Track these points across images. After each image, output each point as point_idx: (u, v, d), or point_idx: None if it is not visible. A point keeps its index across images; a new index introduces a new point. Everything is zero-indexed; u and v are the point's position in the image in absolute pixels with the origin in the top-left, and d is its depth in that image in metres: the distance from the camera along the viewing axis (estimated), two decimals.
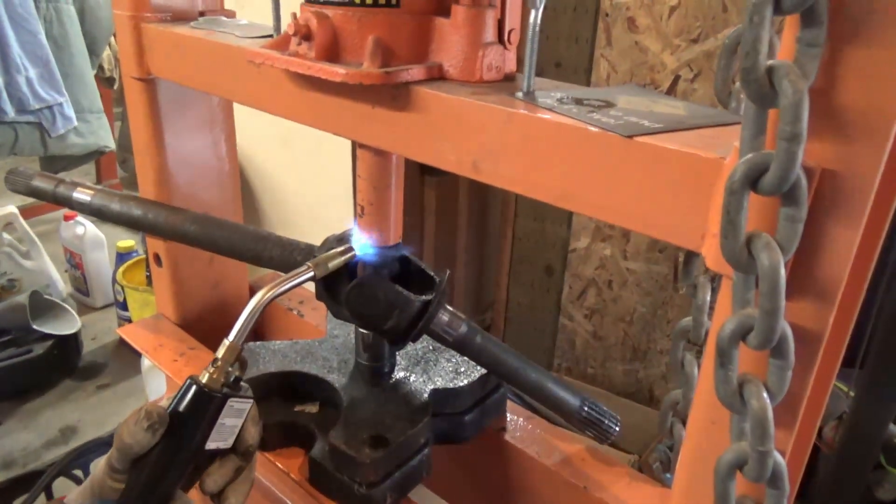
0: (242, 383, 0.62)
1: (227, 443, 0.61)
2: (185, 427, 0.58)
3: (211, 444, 0.59)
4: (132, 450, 0.57)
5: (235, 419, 0.60)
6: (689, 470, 0.52)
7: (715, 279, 0.65)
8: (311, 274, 0.68)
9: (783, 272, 0.38)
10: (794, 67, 0.35)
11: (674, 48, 1.75)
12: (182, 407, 0.58)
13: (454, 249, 2.16)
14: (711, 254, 0.43)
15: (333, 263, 0.69)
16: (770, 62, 0.35)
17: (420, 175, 1.98)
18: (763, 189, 0.37)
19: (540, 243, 2.12)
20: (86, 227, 2.51)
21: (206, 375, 0.60)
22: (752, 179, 0.37)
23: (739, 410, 0.43)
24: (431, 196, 2.00)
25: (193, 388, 0.59)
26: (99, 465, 0.60)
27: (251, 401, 0.62)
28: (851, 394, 1.45)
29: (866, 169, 0.37)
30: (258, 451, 0.75)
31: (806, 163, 0.38)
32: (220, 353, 0.61)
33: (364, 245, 0.74)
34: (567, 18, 1.85)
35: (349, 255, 0.72)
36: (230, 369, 0.61)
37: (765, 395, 0.41)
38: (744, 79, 0.35)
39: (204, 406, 0.58)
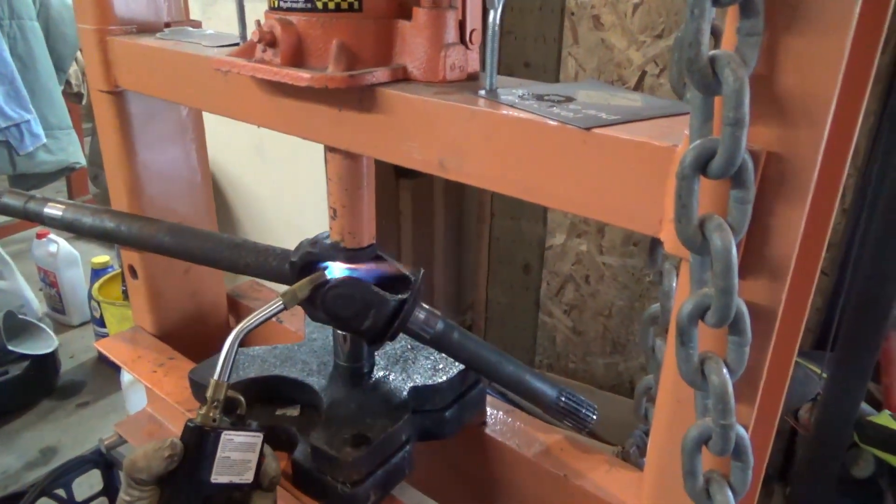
0: (249, 420, 0.69)
1: (243, 477, 0.66)
2: (188, 463, 0.64)
3: (221, 479, 0.64)
4: (140, 474, 0.61)
5: (243, 453, 0.65)
6: (659, 448, 0.54)
7: (680, 265, 0.67)
8: (282, 307, 0.71)
9: (735, 252, 0.39)
10: (735, 56, 0.37)
11: (639, 44, 1.79)
12: (185, 444, 0.64)
13: (432, 251, 2.17)
14: (669, 238, 0.45)
15: (302, 293, 0.72)
16: (712, 52, 0.37)
17: (395, 178, 1.99)
18: (712, 173, 0.39)
19: (517, 242, 2.14)
20: (59, 244, 2.48)
21: (199, 415, 0.66)
22: (702, 164, 0.39)
23: (701, 387, 0.44)
24: (407, 199, 2.01)
25: (188, 427, 0.65)
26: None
27: (259, 434, 0.67)
28: (824, 376, 1.49)
29: (808, 150, 0.39)
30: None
31: (752, 146, 0.40)
32: (209, 392, 0.66)
33: (332, 268, 0.75)
34: (533, 18, 1.88)
35: (319, 281, 0.73)
36: (216, 406, 0.66)
37: (725, 370, 0.43)
38: (687, 69, 0.37)
39: (200, 442, 0.64)
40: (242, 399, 0.68)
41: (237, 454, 0.65)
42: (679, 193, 0.40)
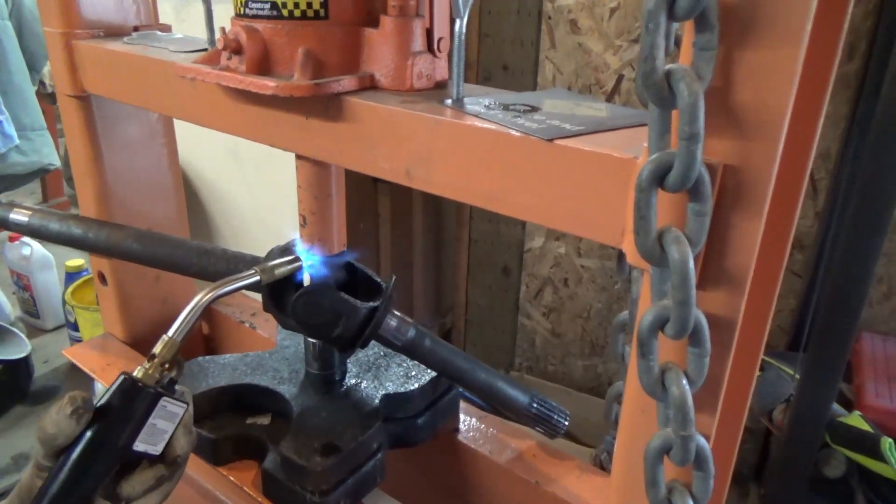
0: (179, 387, 0.60)
1: (156, 448, 0.58)
2: (113, 421, 0.55)
3: (140, 446, 0.57)
4: (56, 441, 0.54)
5: (167, 423, 0.58)
6: (624, 457, 0.54)
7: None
8: (257, 278, 0.67)
9: (692, 264, 0.40)
10: (690, 70, 0.37)
11: (616, 48, 1.80)
12: (111, 401, 0.56)
13: (411, 255, 2.17)
14: (630, 249, 0.45)
15: (280, 271, 0.69)
16: (668, 66, 0.37)
17: (373, 182, 1.98)
18: (669, 186, 0.39)
19: (496, 245, 2.14)
20: (32, 247, 2.44)
21: (141, 370, 0.58)
22: (659, 177, 0.39)
23: (662, 398, 0.45)
24: (385, 203, 2.01)
25: (123, 379, 0.56)
26: (27, 466, 0.57)
27: (185, 405, 0.59)
28: (798, 377, 1.50)
29: (764, 163, 0.40)
30: (216, 468, 0.74)
31: (708, 160, 0.40)
32: (158, 349, 0.59)
33: (310, 255, 0.74)
34: (511, 22, 1.88)
35: (296, 264, 0.72)
36: (166, 368, 0.59)
37: (684, 381, 0.43)
38: (643, 83, 0.37)
39: (134, 400, 0.56)
40: (183, 364, 0.61)
41: (162, 423, 0.57)
42: (638, 206, 0.40)
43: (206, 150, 2.00)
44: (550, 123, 0.51)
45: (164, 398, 0.57)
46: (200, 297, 0.62)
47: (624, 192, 0.45)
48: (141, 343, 1.01)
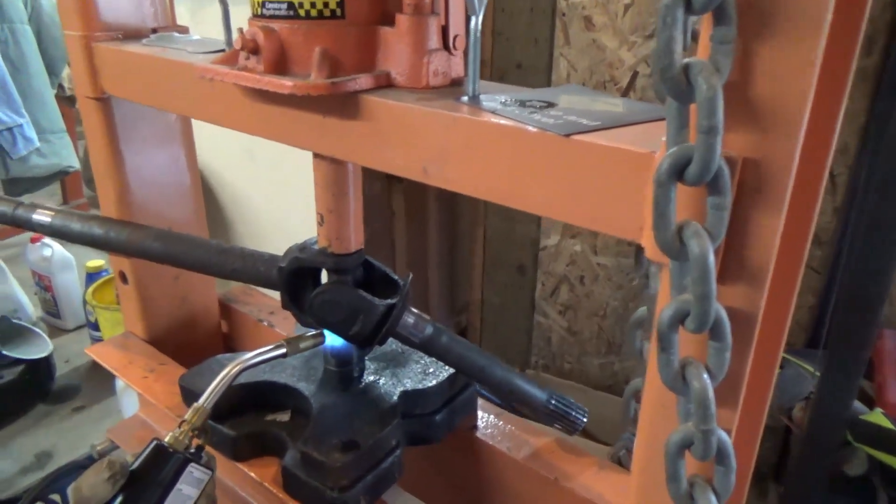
0: (205, 453, 0.64)
1: None
2: (143, 486, 0.59)
3: None
4: (90, 503, 0.57)
5: (192, 489, 0.61)
6: (644, 453, 0.54)
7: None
8: (283, 351, 0.73)
9: (712, 258, 0.39)
10: (708, 64, 0.37)
11: (630, 45, 1.79)
12: (143, 465, 0.59)
13: (426, 254, 2.17)
14: (650, 244, 0.45)
15: (304, 344, 0.77)
16: (686, 60, 0.37)
17: (387, 181, 1.99)
18: (688, 180, 0.39)
19: (511, 243, 2.14)
20: (53, 248, 2.47)
21: (171, 436, 0.62)
22: (678, 171, 0.39)
23: (682, 392, 0.44)
24: (400, 201, 2.01)
25: (156, 445, 0.61)
26: None
27: (210, 472, 0.63)
28: (818, 374, 1.49)
29: (784, 156, 0.40)
30: (236, 464, 0.76)
31: (727, 153, 0.40)
32: (188, 415, 0.63)
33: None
34: (524, 20, 1.88)
35: (319, 339, 0.78)
36: (195, 434, 0.63)
37: (705, 376, 0.43)
38: (661, 77, 0.37)
39: (164, 465, 0.60)
40: (210, 430, 0.66)
41: (187, 488, 0.61)
42: (656, 200, 0.40)
43: (223, 152, 2.02)
44: (567, 119, 0.51)
45: (192, 464, 0.61)
46: (229, 370, 0.68)
47: (642, 187, 0.45)
48: (161, 341, 1.03)
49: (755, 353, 0.46)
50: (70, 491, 0.58)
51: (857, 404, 1.44)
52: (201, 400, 0.65)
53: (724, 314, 0.42)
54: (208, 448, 0.66)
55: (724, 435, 0.45)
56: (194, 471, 0.61)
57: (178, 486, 0.60)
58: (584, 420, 0.85)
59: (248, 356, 0.70)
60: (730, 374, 0.45)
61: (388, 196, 1.99)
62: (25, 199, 1.00)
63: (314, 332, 0.77)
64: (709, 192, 0.40)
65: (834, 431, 1.43)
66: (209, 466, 0.63)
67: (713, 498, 0.47)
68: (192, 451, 0.63)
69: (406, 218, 2.05)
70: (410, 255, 2.09)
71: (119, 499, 0.57)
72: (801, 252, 0.49)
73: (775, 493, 1.75)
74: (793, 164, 0.40)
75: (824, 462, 1.46)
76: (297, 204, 1.96)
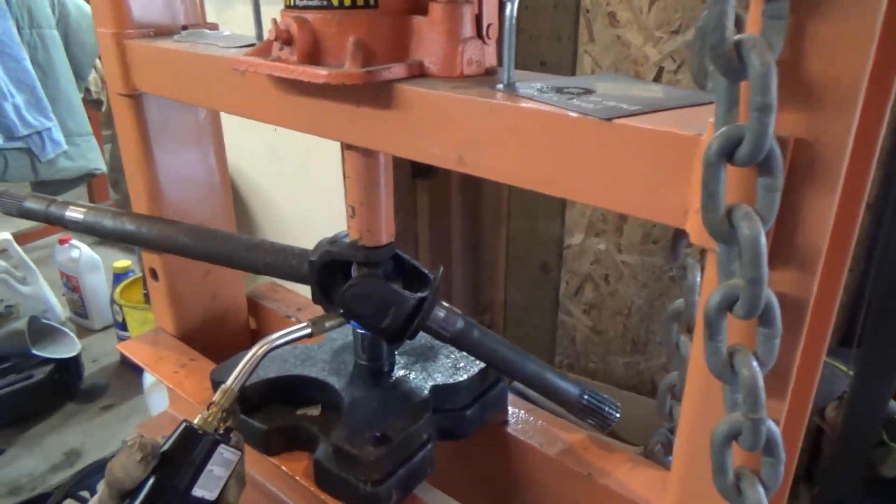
0: (234, 434, 0.64)
1: (212, 495, 0.61)
2: (175, 467, 0.59)
3: (197, 492, 0.60)
4: (123, 484, 0.57)
5: (223, 469, 0.62)
6: (686, 446, 0.53)
7: (703, 258, 0.65)
8: (309, 331, 0.72)
9: (764, 241, 0.38)
10: (761, 39, 0.36)
11: (655, 40, 1.77)
12: (174, 447, 0.60)
13: (449, 252, 2.17)
14: (695, 229, 0.44)
15: (331, 324, 0.75)
16: (737, 36, 0.36)
17: (411, 179, 1.99)
18: (739, 160, 0.38)
19: (534, 241, 2.13)
20: (81, 249, 2.51)
21: (201, 418, 0.62)
22: (728, 152, 0.38)
23: (730, 381, 0.43)
24: (424, 199, 2.01)
25: (185, 427, 0.61)
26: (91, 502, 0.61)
27: (240, 453, 0.64)
28: (851, 373, 1.46)
29: (837, 137, 0.38)
30: (268, 458, 0.76)
31: (779, 133, 0.39)
32: (217, 397, 0.64)
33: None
34: (548, 17, 1.87)
35: (343, 320, 0.76)
36: (224, 416, 0.63)
37: (754, 363, 0.42)
38: (712, 54, 0.36)
39: (194, 447, 0.60)
40: (239, 412, 0.65)
41: (218, 469, 0.61)
42: (705, 182, 0.39)
43: (247, 150, 2.03)
44: (607, 104, 0.50)
45: (222, 445, 0.61)
46: (256, 350, 0.67)
47: (687, 171, 0.44)
48: (190, 337, 1.03)
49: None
50: (106, 471, 0.58)
51: (893, 403, 1.41)
52: (229, 381, 0.65)
53: (774, 299, 0.41)
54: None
55: (772, 425, 0.44)
56: (224, 452, 0.61)
57: (209, 466, 0.60)
58: (617, 415, 0.84)
59: (275, 336, 0.69)
60: (779, 362, 0.43)
61: (412, 194, 1.99)
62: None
63: (341, 316, 0.76)
64: (760, 173, 0.39)
65: (869, 431, 1.40)
66: (238, 447, 0.63)
67: (761, 490, 0.46)
68: (222, 432, 0.63)
69: (430, 216, 2.04)
70: (433, 254, 2.09)
71: (151, 480, 0.57)
72: (849, 236, 0.48)
73: (808, 495, 1.72)
74: (847, 145, 0.38)
75: (859, 463, 1.42)
76: (321, 202, 1.97)
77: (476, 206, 2.23)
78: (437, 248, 2.12)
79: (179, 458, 0.59)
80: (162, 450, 0.59)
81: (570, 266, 2.11)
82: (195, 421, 0.62)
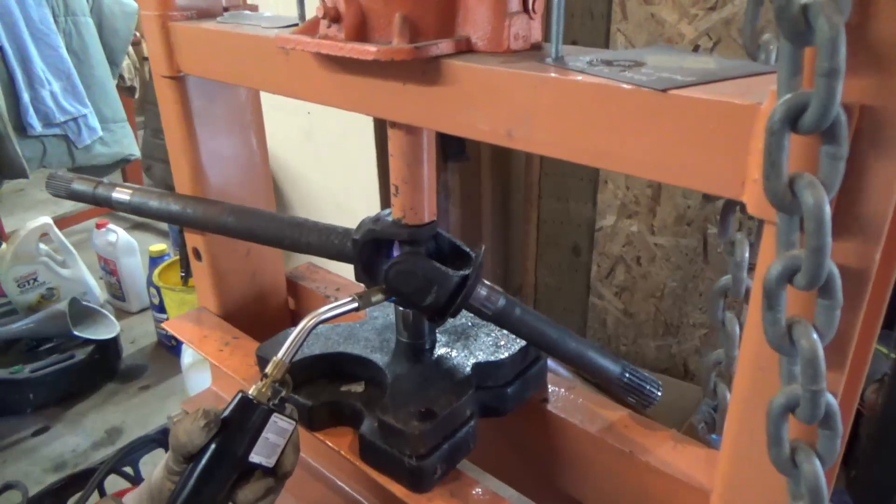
0: (289, 405, 0.67)
1: (269, 461, 0.65)
2: (233, 434, 0.62)
3: (255, 458, 0.63)
4: (186, 448, 0.61)
5: (278, 437, 0.65)
6: (738, 421, 0.53)
7: (752, 234, 0.65)
8: (355, 305, 0.73)
9: (828, 209, 0.38)
10: (830, 2, 0.35)
11: (691, 18, 1.74)
12: (232, 416, 0.63)
13: (479, 234, 2.17)
14: (753, 199, 0.44)
15: (376, 298, 0.75)
16: (804, 0, 0.36)
17: (443, 161, 1.99)
18: (803, 127, 0.37)
19: (565, 223, 2.11)
20: (118, 234, 2.56)
21: (255, 389, 0.65)
22: (792, 119, 0.38)
23: (789, 352, 0.43)
24: (455, 182, 2.01)
25: (242, 397, 0.64)
26: (157, 467, 0.65)
27: (294, 423, 0.66)
28: (892, 355, 1.43)
29: None
30: (311, 433, 0.77)
31: (844, 99, 0.38)
32: (269, 369, 0.66)
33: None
34: None
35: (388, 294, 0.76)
36: (277, 387, 0.66)
37: (814, 334, 0.42)
38: (778, 17, 0.36)
39: (250, 416, 0.63)
40: (290, 382, 0.68)
41: (274, 437, 0.64)
42: (768, 150, 0.38)
43: (281, 133, 2.05)
44: (660, 76, 0.49)
45: (276, 414, 0.64)
46: (305, 323, 0.69)
47: (746, 141, 0.43)
48: (232, 316, 1.05)
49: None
50: (171, 438, 0.62)
51: None
52: (280, 353, 0.67)
53: (835, 270, 0.40)
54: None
55: (831, 397, 0.44)
56: (278, 420, 0.64)
57: (265, 434, 0.63)
58: (659, 394, 0.84)
59: (323, 310, 0.70)
60: (838, 334, 0.43)
61: (444, 177, 1.99)
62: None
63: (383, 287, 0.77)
64: (824, 140, 0.38)
65: None
66: (293, 417, 0.66)
67: (818, 462, 0.45)
68: (276, 402, 0.65)
69: (460, 200, 2.04)
70: (465, 236, 2.09)
71: (213, 445, 0.61)
72: None
73: (844, 478, 1.70)
74: None
75: None
76: (354, 183, 1.98)
77: (507, 189, 2.23)
78: (469, 230, 2.12)
79: (236, 427, 0.62)
80: (222, 417, 0.62)
81: (602, 248, 2.10)
82: (250, 392, 0.64)
